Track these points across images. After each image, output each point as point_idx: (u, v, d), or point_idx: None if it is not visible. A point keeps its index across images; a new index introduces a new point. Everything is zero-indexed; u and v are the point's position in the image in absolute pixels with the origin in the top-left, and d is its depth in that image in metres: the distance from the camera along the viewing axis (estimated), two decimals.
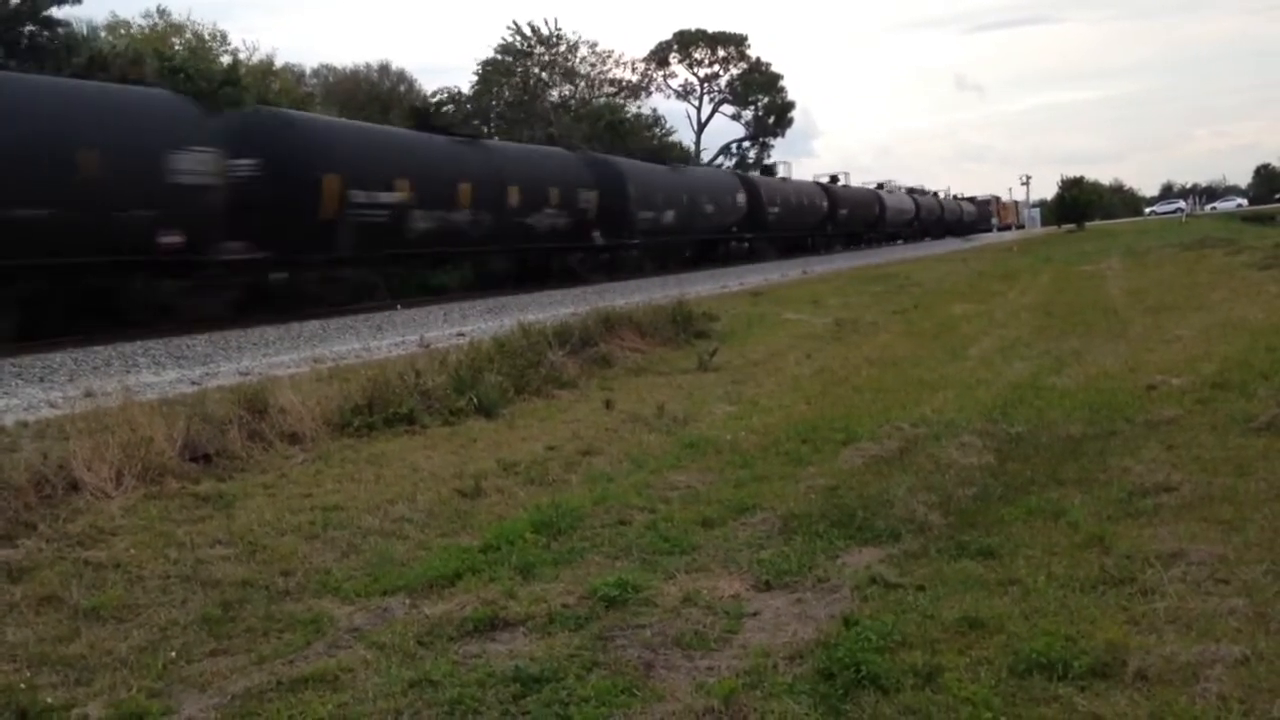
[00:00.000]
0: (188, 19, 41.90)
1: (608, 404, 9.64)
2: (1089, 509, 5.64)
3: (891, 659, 3.85)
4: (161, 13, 41.53)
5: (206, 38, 41.10)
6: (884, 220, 59.06)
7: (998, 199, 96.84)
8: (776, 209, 41.42)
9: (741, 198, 38.16)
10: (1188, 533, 5.14)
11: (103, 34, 35.74)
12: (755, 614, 4.51)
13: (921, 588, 4.62)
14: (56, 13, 28.17)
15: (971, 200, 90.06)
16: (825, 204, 48.06)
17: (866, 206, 56.25)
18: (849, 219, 52.48)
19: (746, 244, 41.09)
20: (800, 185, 48.14)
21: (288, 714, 3.74)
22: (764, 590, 4.80)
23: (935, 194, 78.16)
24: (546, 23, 58.42)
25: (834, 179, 55.35)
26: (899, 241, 62.95)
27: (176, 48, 36.10)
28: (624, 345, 12.87)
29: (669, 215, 31.86)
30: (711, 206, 35.50)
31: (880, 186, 62.56)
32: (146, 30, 40.38)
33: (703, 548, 5.42)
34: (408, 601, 4.83)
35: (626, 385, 10.97)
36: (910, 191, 69.93)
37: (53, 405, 8.77)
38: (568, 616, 4.49)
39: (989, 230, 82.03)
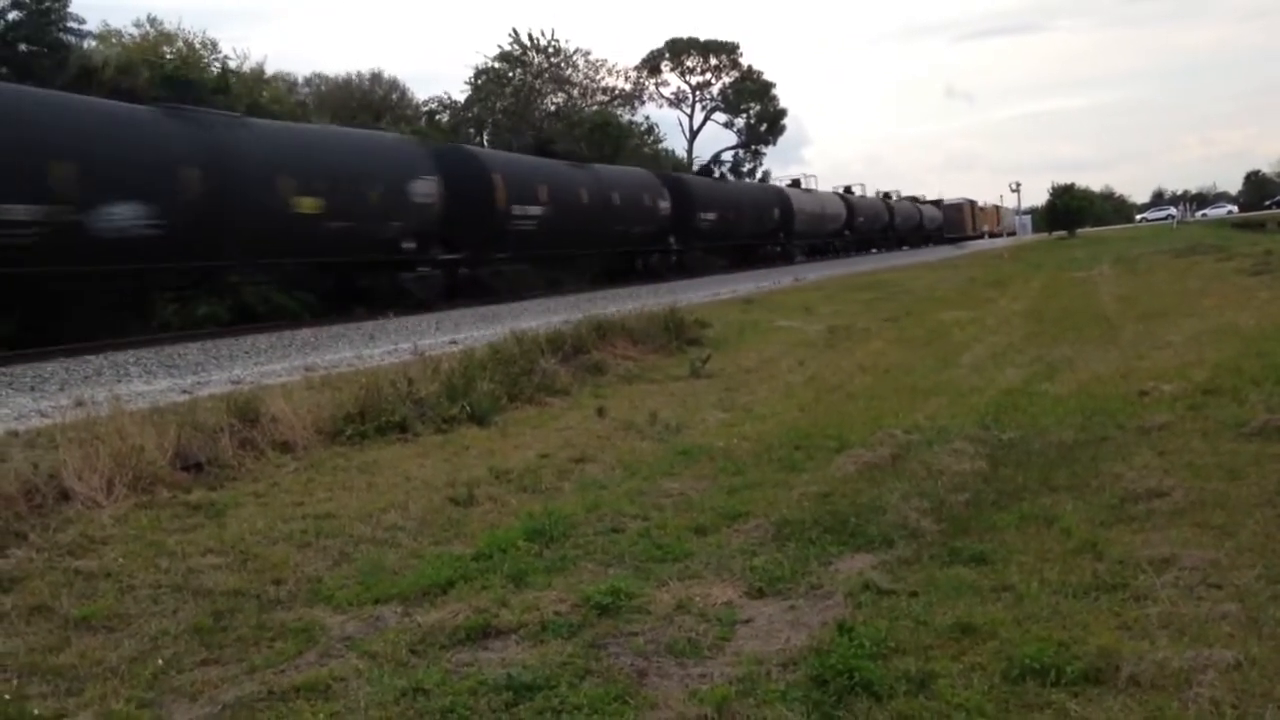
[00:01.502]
0: (178, 28, 41.84)
1: (600, 411, 9.63)
2: (1081, 515, 5.64)
3: (884, 665, 3.84)
4: (152, 21, 41.51)
5: (197, 46, 41.04)
6: (791, 229, 43.59)
7: (973, 203, 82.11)
8: (535, 211, 24.58)
9: (428, 188, 20.85)
10: (1180, 538, 5.14)
11: (95, 43, 35.73)
12: (748, 621, 4.50)
13: (914, 594, 4.62)
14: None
15: (937, 204, 75.05)
16: (667, 205, 32.18)
17: (756, 210, 40.44)
18: (719, 228, 36.25)
19: (464, 270, 23.04)
20: (613, 175, 31.36)
21: None
22: (757, 597, 4.79)
23: (886, 196, 64.43)
24: (544, 33, 58.67)
25: (706, 170, 41.68)
26: (825, 256, 48.65)
27: (168, 56, 36.08)
28: (616, 353, 12.88)
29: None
30: (343, 221, 18.68)
31: (796, 184, 49.58)
32: (138, 39, 40.33)
33: (696, 555, 5.41)
34: (400, 610, 4.81)
35: (619, 393, 10.96)
36: (847, 191, 56.15)
37: (43, 414, 8.73)
38: (560, 624, 4.48)
39: (960, 239, 71.15)
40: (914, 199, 71.07)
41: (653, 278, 30.63)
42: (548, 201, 25.29)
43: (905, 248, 61.53)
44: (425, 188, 20.99)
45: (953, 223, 74.53)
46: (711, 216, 35.67)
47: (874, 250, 56.33)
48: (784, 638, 4.26)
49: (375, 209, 19.70)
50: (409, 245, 20.69)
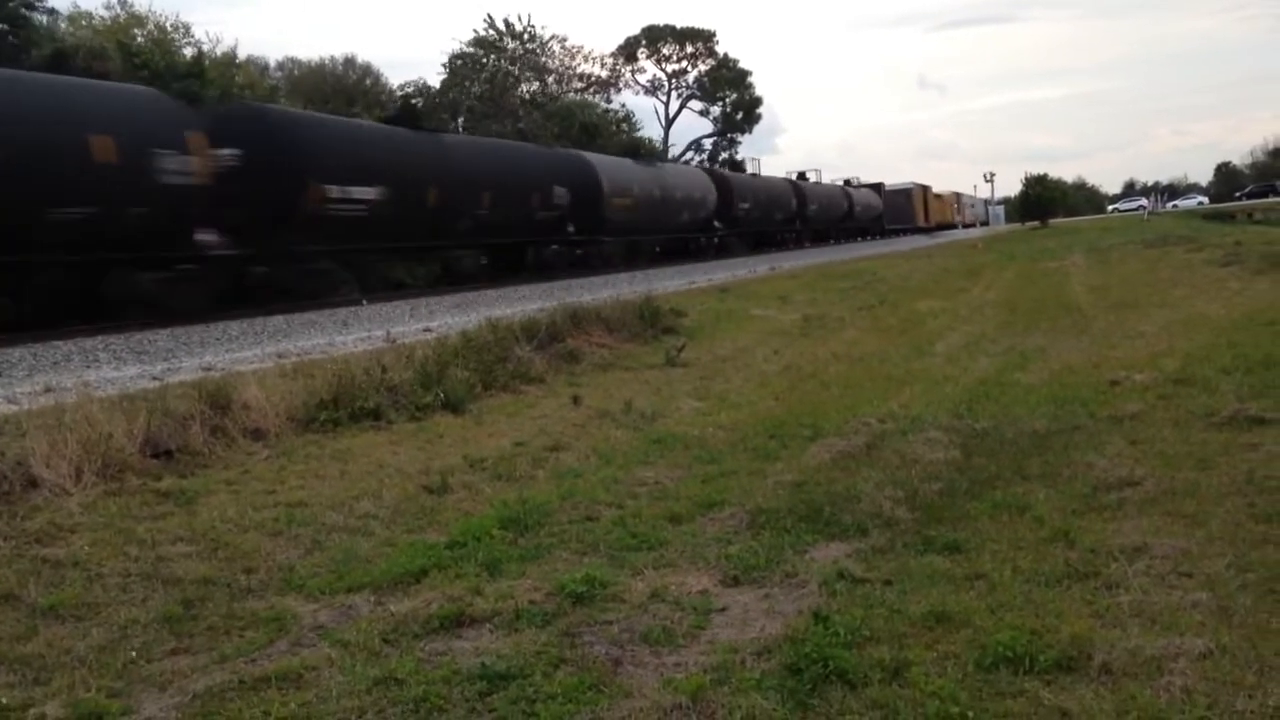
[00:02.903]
0: (149, 10, 41.32)
1: (575, 400, 9.61)
2: (1054, 504, 5.68)
3: (859, 654, 3.85)
4: (123, 4, 40.96)
5: (169, 29, 40.55)
6: (600, 219, 26.49)
7: (925, 189, 68.38)
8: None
9: None
10: (1151, 527, 5.18)
11: (64, 25, 35.24)
12: (723, 610, 4.50)
13: (889, 582, 4.64)
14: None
15: (876, 189, 60.34)
16: (231, 153, 16.06)
17: (514, 192, 23.26)
18: (432, 211, 20.33)
19: None
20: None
21: (250, 713, 3.69)
22: (732, 586, 4.79)
23: (801, 176, 48.68)
24: (520, 18, 58.26)
25: (439, 129, 26.04)
26: (686, 259, 32.08)
27: (139, 40, 35.62)
28: (591, 341, 12.83)
29: None
30: None
31: (634, 153, 34.33)
32: (108, 21, 39.79)
33: (670, 544, 5.41)
34: (373, 599, 4.79)
35: (594, 381, 10.94)
36: (734, 168, 41.94)
37: (11, 401, 8.61)
38: (534, 613, 4.46)
39: (908, 231, 60.73)
40: (846, 182, 57.69)
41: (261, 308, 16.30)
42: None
43: (830, 242, 48.71)
44: None
45: (898, 211, 61.25)
46: (372, 194, 18.59)
47: (773, 248, 40.56)
48: (759, 626, 4.26)
49: None
50: None
